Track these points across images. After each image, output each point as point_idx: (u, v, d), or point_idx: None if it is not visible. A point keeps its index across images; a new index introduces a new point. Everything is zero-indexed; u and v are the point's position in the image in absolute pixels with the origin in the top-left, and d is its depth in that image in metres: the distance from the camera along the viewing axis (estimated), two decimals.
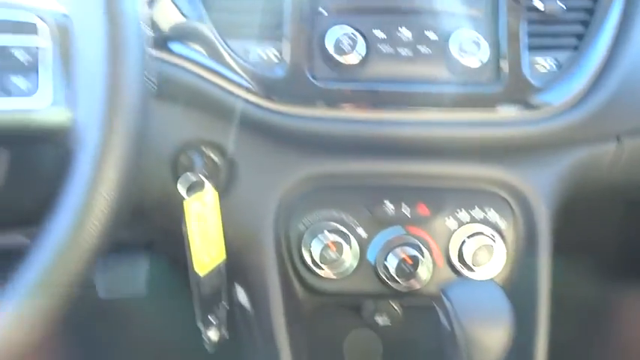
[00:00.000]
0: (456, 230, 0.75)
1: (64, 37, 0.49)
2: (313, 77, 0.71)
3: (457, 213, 0.75)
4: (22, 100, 0.48)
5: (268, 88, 0.71)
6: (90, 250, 0.42)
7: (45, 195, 0.44)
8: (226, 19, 0.71)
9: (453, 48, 0.71)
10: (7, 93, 0.47)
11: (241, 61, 0.71)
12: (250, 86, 0.70)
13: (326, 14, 0.72)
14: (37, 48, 0.48)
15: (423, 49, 0.72)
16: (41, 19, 0.49)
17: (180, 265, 0.72)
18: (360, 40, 0.71)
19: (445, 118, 0.73)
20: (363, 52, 0.71)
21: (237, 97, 0.70)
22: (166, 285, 1.11)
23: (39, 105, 0.48)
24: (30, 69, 0.48)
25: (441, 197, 0.76)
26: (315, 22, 0.71)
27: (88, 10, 0.47)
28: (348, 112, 0.72)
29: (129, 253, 1.09)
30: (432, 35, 0.72)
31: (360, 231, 0.75)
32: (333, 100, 0.72)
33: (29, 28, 0.49)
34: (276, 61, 0.72)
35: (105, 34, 0.45)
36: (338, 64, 0.71)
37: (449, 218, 0.75)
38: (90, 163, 0.43)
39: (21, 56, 0.48)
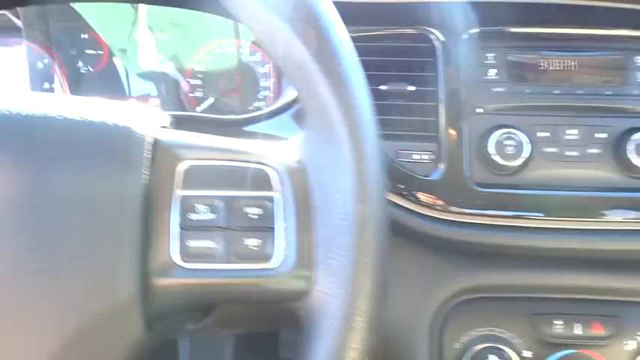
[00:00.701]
0: (638, 355, 0.66)
1: (299, 188, 0.42)
2: (473, 182, 0.65)
3: (638, 335, 0.66)
4: (255, 264, 0.41)
5: (422, 192, 0.66)
6: None
7: None
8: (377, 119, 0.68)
9: (629, 149, 0.64)
10: (240, 258, 0.41)
11: (392, 163, 0.66)
12: (404, 191, 0.66)
13: (484, 113, 0.67)
14: (270, 203, 0.42)
15: (593, 150, 0.66)
16: (273, 169, 0.42)
17: None
18: (525, 141, 0.65)
19: (618, 227, 0.65)
20: (527, 155, 0.65)
21: (392, 203, 0.65)
22: None
23: (273, 267, 0.41)
24: (263, 227, 0.41)
25: (618, 315, 0.67)
26: (472, 122, 0.67)
27: (327, 155, 0.40)
28: (511, 220, 0.65)
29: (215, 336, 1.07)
30: (602, 135, 0.66)
31: (527, 353, 0.67)
32: (493, 205, 0.65)
33: (261, 181, 0.42)
34: (430, 162, 0.67)
35: (351, 181, 0.38)
36: (499, 167, 0.65)
37: (628, 341, 0.66)
38: (337, 336, 0.37)
39: (253, 213, 0.41)
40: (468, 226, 0.65)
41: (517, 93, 0.67)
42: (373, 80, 0.68)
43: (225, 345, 1.10)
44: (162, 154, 0.42)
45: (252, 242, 0.41)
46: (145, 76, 0.83)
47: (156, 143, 0.42)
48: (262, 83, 0.82)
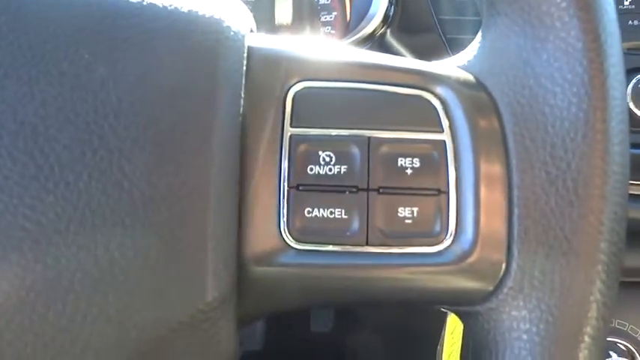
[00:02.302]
0: None
1: (480, 127, 0.27)
2: None
3: None
4: (411, 247, 0.26)
5: None
6: None
7: None
8: None
9: None
10: (387, 237, 0.26)
11: None
12: None
13: None
14: (436, 151, 0.27)
15: None
16: (437, 97, 0.27)
17: None
18: None
19: None
20: None
21: None
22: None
23: (438, 250, 0.26)
24: (425, 189, 0.26)
25: None
26: None
27: (533, 73, 0.26)
28: None
29: None
30: None
31: None
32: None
33: (421, 115, 0.27)
34: None
35: (582, 116, 0.24)
36: (636, 121, 0.52)
37: None
38: None
39: (409, 166, 0.26)
40: None
41: None
42: None
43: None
44: (262, 68, 0.27)
45: (406, 212, 0.26)
46: None
47: (251, 52, 0.27)
48: (323, 18, 0.68)
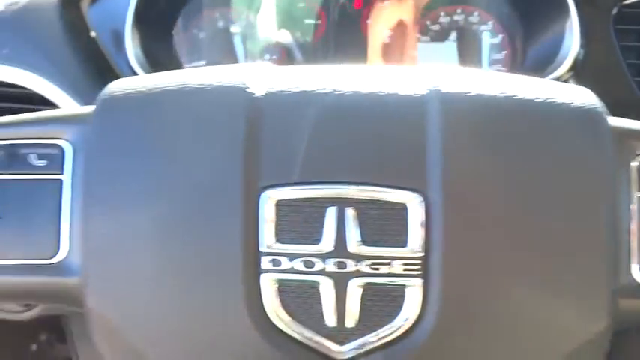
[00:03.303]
0: None
1: None
2: None
3: None
4: None
5: None
6: None
7: None
8: None
9: None
10: None
11: None
12: None
13: None
14: None
15: None
16: None
17: None
18: None
19: None
20: None
21: None
22: None
23: None
24: None
25: None
26: None
27: None
28: None
29: None
30: None
31: None
32: None
33: None
34: None
35: None
36: None
37: None
38: None
39: None
40: None
41: None
42: None
43: None
44: (616, 143, 0.33)
45: None
46: None
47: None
48: (493, 56, 0.73)
